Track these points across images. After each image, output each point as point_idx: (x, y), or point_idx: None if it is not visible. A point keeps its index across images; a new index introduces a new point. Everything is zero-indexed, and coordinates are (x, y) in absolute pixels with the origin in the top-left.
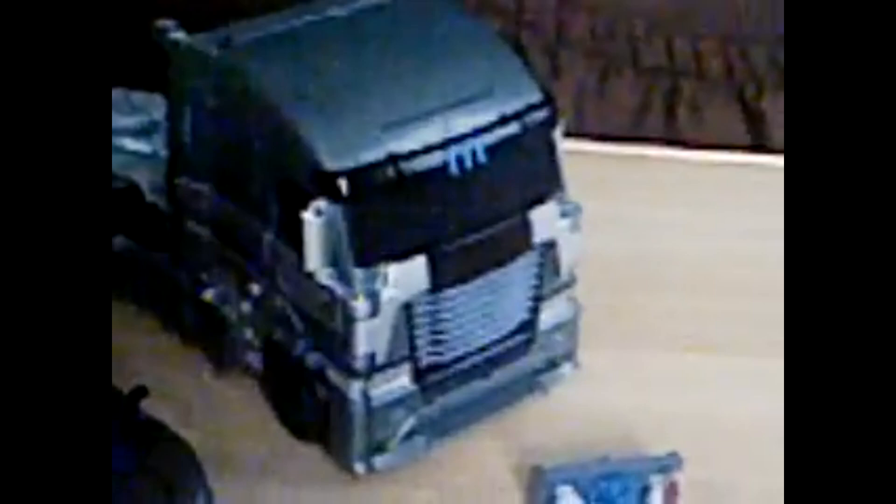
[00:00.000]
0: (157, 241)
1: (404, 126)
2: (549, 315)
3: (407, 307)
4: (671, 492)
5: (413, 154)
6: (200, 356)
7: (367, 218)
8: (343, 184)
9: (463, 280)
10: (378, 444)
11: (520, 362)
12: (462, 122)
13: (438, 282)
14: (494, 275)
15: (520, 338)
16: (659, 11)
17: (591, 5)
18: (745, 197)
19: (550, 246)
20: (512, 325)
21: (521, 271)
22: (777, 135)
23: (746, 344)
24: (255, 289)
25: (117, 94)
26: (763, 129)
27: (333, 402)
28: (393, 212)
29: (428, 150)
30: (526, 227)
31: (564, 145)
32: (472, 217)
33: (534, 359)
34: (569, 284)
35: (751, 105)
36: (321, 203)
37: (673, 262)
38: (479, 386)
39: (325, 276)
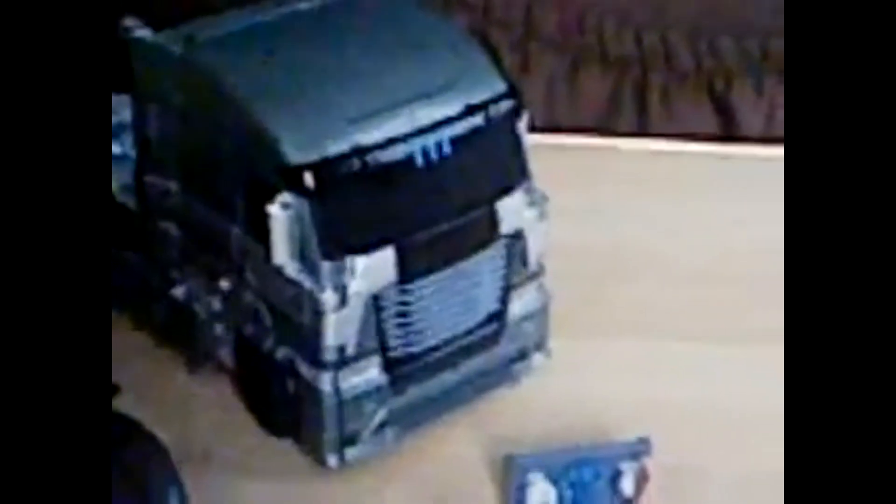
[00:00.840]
0: (127, 240)
1: (370, 119)
2: (519, 305)
3: (375, 299)
4: (642, 477)
5: (379, 146)
6: (173, 354)
7: (334, 211)
8: (308, 177)
9: (431, 271)
10: (350, 437)
11: (490, 352)
12: (427, 114)
13: (406, 273)
14: (462, 265)
15: (490, 328)
16: (628, 6)
17: (560, 0)
18: (716, 187)
19: (518, 236)
20: (481, 315)
21: (488, 262)
22: (746, 124)
23: (716, 332)
24: (225, 285)
25: None
26: (733, 120)
27: (304, 395)
28: (359, 204)
29: (393, 142)
30: (493, 217)
31: (536, 138)
32: (438, 208)
33: (504, 349)
34: (537, 274)
35: (720, 96)
36: (287, 197)
37: (645, 253)
38: (450, 377)
39: (292, 269)
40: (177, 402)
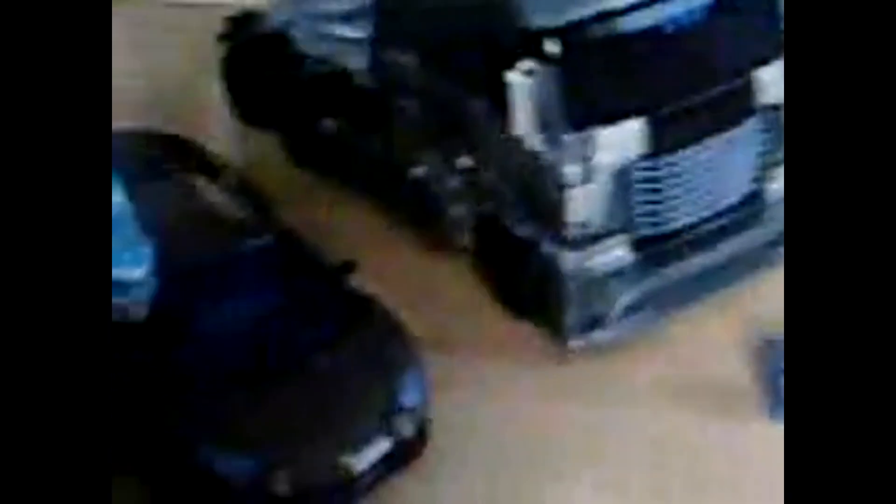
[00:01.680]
0: (366, 122)
1: None
2: (778, 185)
3: (622, 174)
4: None
5: (625, 11)
6: (411, 236)
7: (579, 78)
8: (552, 42)
9: (682, 145)
10: (595, 319)
11: (747, 235)
12: None
13: (655, 147)
14: (717, 140)
15: (747, 208)
16: None
17: None
18: None
19: (777, 108)
20: (737, 195)
21: (745, 136)
22: None
23: None
24: (465, 162)
25: None
26: None
27: (547, 274)
28: (606, 72)
29: (641, 7)
30: (749, 89)
31: None
32: (691, 78)
33: (763, 231)
34: None
35: None
36: (529, 63)
37: None
38: (703, 259)
39: (534, 141)
40: (415, 283)
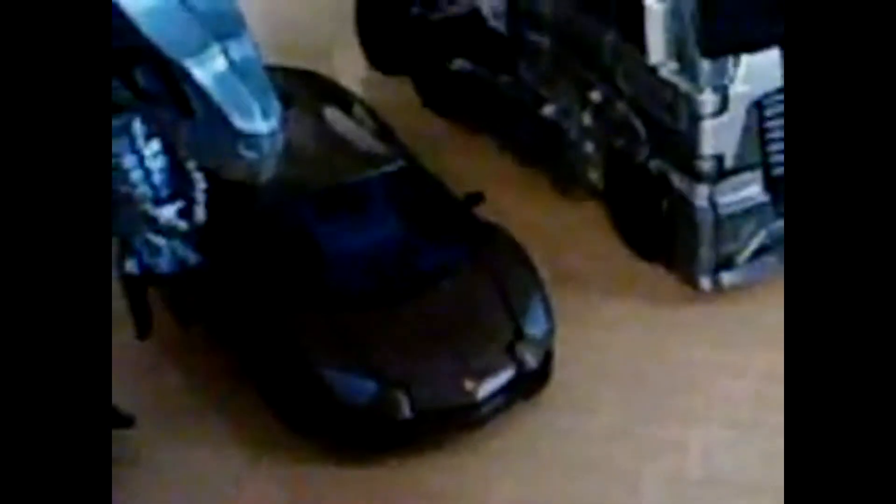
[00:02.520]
0: (497, 62)
1: None
2: None
3: (759, 106)
4: None
5: None
6: (538, 176)
7: (715, 4)
8: None
9: None
10: (726, 259)
11: None
12: None
13: None
14: None
15: None
16: None
17: None
18: None
19: None
20: None
21: None
22: None
23: None
24: (596, 96)
25: None
26: None
27: (678, 211)
28: None
29: None
30: None
31: None
32: None
33: None
34: None
35: None
36: None
37: None
38: None
39: (669, 70)
40: (545, 224)
